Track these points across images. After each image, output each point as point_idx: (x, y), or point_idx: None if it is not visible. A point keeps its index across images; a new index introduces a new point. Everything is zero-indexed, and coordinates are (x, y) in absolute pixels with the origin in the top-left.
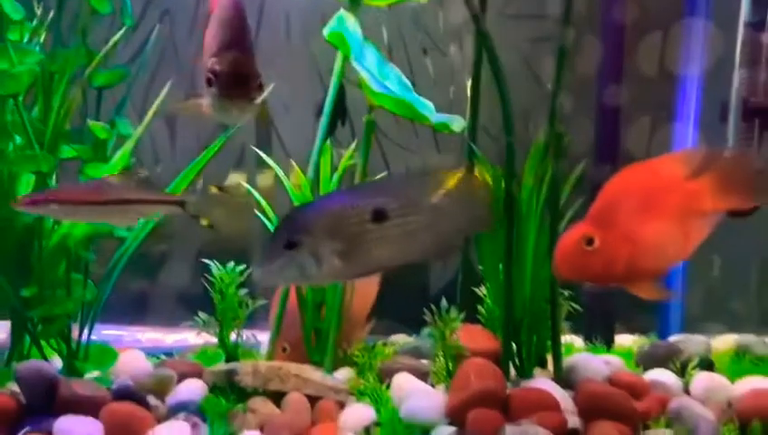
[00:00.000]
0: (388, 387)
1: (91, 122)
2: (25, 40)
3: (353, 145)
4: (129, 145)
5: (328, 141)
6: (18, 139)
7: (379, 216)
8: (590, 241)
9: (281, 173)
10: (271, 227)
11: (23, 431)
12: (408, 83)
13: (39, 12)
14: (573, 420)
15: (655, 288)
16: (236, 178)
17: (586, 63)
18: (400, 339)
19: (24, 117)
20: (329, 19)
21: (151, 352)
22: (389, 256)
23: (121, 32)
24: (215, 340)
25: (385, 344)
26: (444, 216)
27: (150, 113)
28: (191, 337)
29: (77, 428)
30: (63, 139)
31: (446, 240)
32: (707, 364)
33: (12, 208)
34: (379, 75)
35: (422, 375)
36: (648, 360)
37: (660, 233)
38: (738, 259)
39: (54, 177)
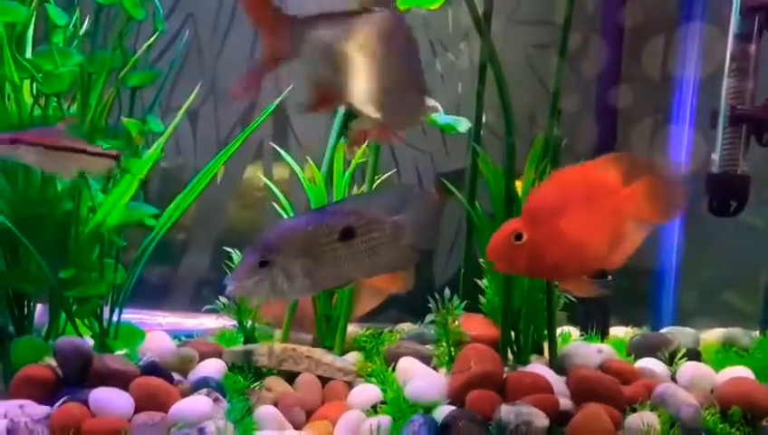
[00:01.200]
0: (393, 370)
1: (124, 119)
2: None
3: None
4: (161, 140)
5: (341, 139)
6: None
7: (347, 234)
8: (518, 236)
9: (296, 167)
10: (284, 216)
11: (60, 401)
12: None
13: (78, 14)
14: (565, 403)
15: (585, 285)
16: (254, 170)
17: (592, 65)
18: (406, 327)
19: (65, 113)
20: None
21: (173, 334)
22: (355, 270)
23: (155, 36)
24: (231, 323)
25: (392, 332)
26: (403, 232)
27: (182, 111)
28: (209, 321)
29: (110, 398)
30: (99, 134)
31: (404, 254)
32: (695, 355)
33: (52, 198)
34: None
35: (425, 359)
36: (638, 349)
37: (586, 234)
38: (729, 257)
39: None
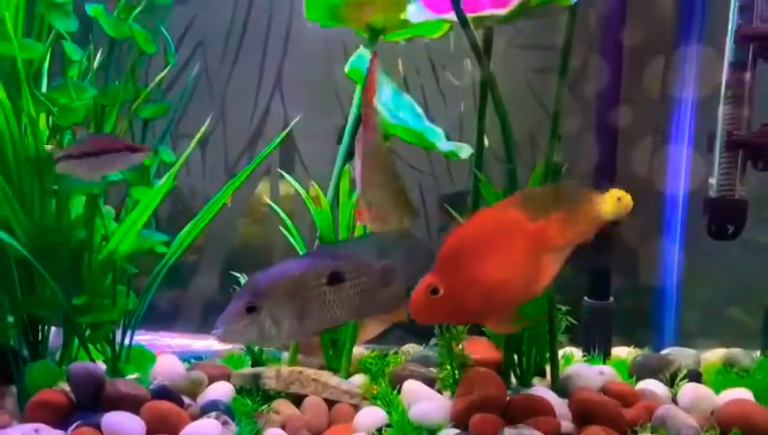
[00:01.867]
0: (398, 392)
1: None
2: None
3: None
4: (173, 170)
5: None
6: None
7: (336, 278)
8: (434, 290)
9: (302, 192)
10: (291, 239)
11: (74, 425)
12: (420, 111)
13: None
14: (567, 425)
15: (511, 323)
16: (262, 186)
17: (591, 86)
18: (411, 348)
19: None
20: (349, 48)
21: (183, 356)
22: (345, 314)
23: (166, 70)
24: (239, 346)
25: (397, 353)
26: (392, 275)
27: (193, 143)
28: (217, 343)
29: (122, 423)
30: None
31: (395, 296)
32: (696, 376)
33: (67, 227)
34: (393, 106)
35: (430, 382)
36: (640, 370)
37: (505, 273)
38: (730, 278)
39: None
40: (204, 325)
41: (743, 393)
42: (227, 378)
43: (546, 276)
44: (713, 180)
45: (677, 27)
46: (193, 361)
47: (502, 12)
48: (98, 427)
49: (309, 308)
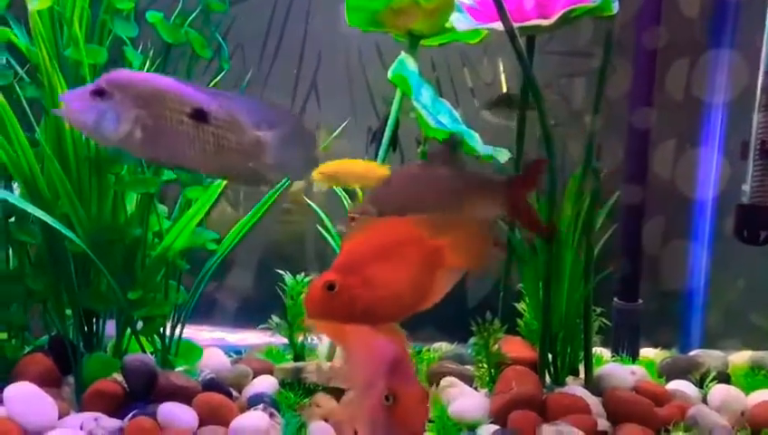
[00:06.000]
0: (436, 388)
1: None
2: None
3: None
4: None
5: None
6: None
7: (199, 115)
8: (331, 286)
9: (340, 193)
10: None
11: (130, 415)
12: (457, 115)
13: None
14: (603, 423)
15: (393, 331)
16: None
17: (620, 87)
18: (442, 346)
19: None
20: (383, 49)
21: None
22: (189, 158)
23: (221, 74)
24: (274, 340)
25: (429, 350)
26: (262, 150)
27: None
28: (251, 336)
29: (177, 413)
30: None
31: (258, 176)
32: (724, 377)
33: (122, 224)
34: (432, 110)
35: (466, 379)
36: (670, 371)
37: (399, 280)
38: (756, 281)
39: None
40: (238, 320)
41: None
42: (270, 372)
43: (437, 293)
44: (746, 187)
45: (712, 31)
46: (233, 354)
47: (546, 22)
48: (153, 416)
49: (158, 128)
